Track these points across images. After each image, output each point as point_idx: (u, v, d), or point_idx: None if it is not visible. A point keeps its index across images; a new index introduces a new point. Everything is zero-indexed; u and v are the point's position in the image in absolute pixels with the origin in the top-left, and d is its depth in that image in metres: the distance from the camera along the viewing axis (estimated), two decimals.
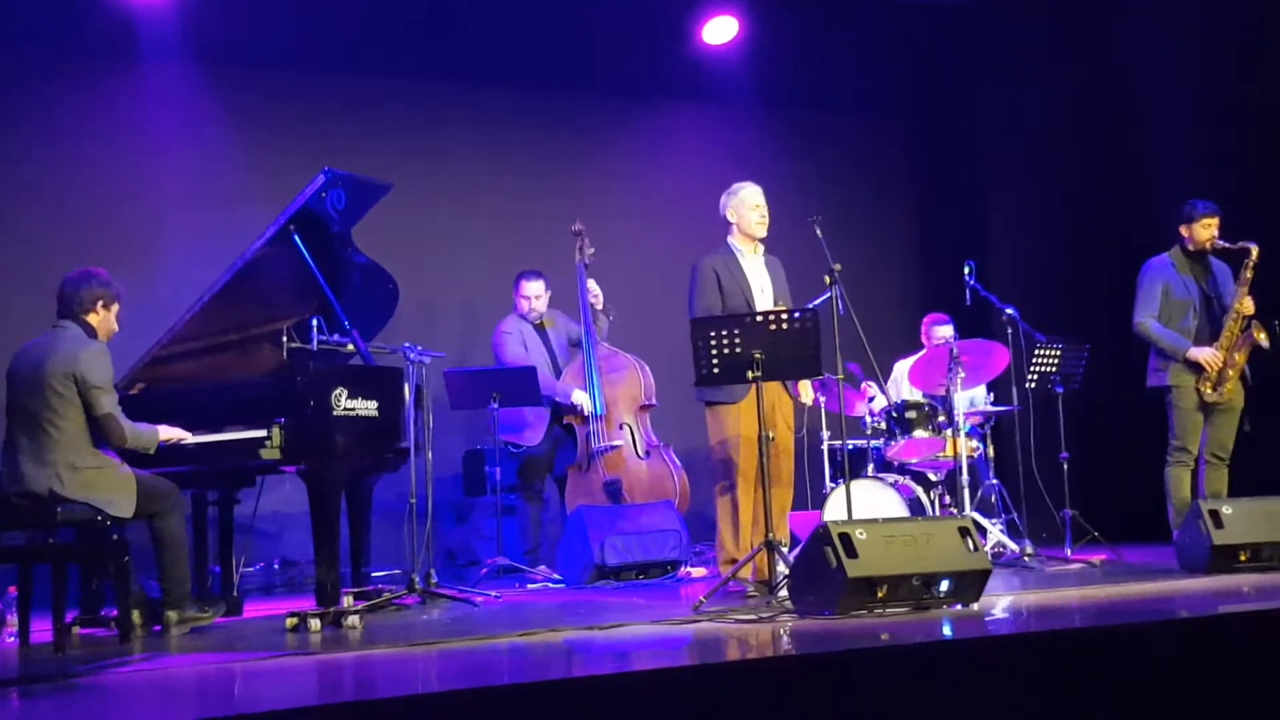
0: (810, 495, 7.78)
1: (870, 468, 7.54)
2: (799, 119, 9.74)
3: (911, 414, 7.32)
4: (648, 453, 7.26)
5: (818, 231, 5.93)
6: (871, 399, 7.64)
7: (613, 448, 7.23)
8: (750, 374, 5.42)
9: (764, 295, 6.05)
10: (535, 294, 7.48)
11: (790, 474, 6.05)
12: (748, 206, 6.07)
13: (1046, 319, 7.65)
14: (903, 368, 8.02)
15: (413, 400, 5.89)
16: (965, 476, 7.03)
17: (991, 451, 7.72)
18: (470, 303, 8.63)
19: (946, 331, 7.97)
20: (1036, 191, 9.58)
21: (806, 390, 6.14)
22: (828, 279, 5.82)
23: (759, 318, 5.45)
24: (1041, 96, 9.38)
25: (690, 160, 9.33)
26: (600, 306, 7.45)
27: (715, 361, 5.43)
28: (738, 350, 5.40)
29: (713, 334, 5.43)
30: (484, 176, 8.80)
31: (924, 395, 7.54)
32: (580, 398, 7.25)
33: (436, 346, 6.39)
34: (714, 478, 5.99)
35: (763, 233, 6.09)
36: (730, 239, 6.13)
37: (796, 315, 5.43)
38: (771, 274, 6.11)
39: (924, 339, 8.10)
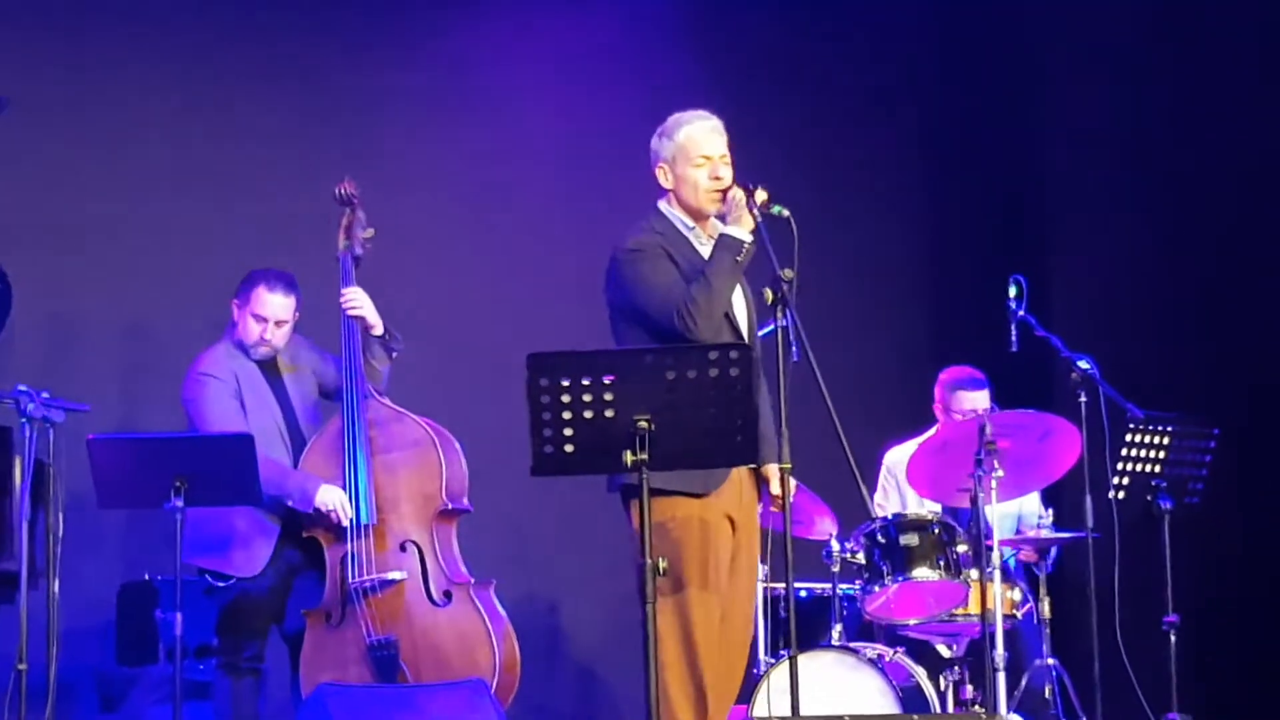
0: None
1: (837, 632, 7.60)
2: (738, 23, 9.91)
3: (910, 539, 7.38)
4: (448, 595, 7.25)
5: (754, 213, 5.92)
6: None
7: (387, 584, 7.19)
8: (630, 457, 5.39)
9: (742, 314, 6.18)
10: (277, 315, 7.45)
11: (746, 641, 6.27)
12: (690, 158, 6.11)
13: (1146, 382, 7.75)
14: (898, 458, 8.11)
15: (27, 487, 5.91)
16: (1001, 650, 7.05)
17: (1048, 609, 7.76)
18: (142, 322, 8.63)
19: (978, 400, 8.05)
20: (1131, 169, 9.70)
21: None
22: (769, 295, 5.85)
23: (647, 357, 5.48)
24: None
25: (543, 68, 9.50)
26: (378, 330, 7.39)
27: (567, 433, 5.40)
28: (608, 414, 5.37)
29: (565, 381, 5.36)
30: (171, 98, 8.85)
31: (936, 508, 7.60)
32: (332, 496, 7.12)
33: (79, 393, 6.46)
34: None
35: (714, 207, 6.11)
36: (665, 208, 6.20)
37: (713, 354, 5.41)
38: (742, 280, 6.22)
39: (938, 409, 8.24)
